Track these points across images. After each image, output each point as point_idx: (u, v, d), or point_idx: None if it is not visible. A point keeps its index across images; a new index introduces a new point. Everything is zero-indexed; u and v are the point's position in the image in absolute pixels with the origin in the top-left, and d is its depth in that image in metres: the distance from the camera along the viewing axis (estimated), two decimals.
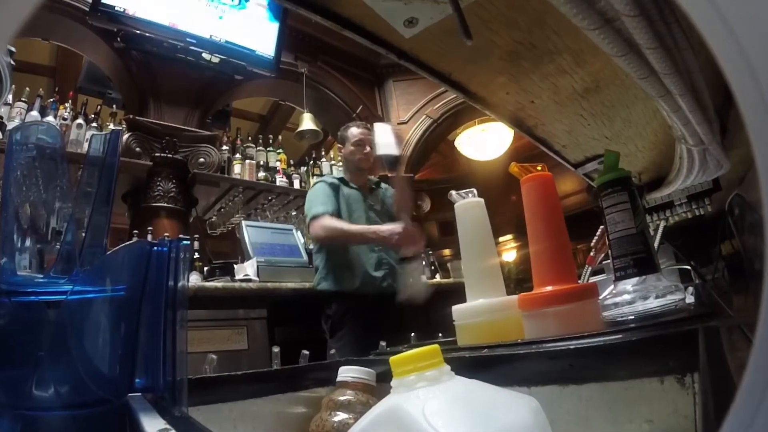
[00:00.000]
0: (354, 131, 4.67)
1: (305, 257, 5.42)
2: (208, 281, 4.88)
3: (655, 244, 2.67)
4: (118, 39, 5.63)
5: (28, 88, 5.44)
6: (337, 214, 4.20)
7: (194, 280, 4.84)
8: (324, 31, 7.54)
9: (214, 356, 1.48)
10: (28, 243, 1.26)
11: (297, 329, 4.68)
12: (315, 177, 6.98)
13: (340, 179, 4.54)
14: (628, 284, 1.31)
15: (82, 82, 7.23)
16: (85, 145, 5.10)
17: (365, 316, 3.98)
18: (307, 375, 1.56)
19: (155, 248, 1.16)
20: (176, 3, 5.95)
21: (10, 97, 5.19)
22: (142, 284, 1.12)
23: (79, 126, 5.47)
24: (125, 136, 5.52)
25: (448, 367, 0.80)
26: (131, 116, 5.72)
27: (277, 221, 6.59)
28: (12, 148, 1.30)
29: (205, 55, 6.12)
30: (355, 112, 8.04)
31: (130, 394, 1.07)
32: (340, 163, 7.30)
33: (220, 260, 5.52)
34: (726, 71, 0.38)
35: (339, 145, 4.76)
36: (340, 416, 1.19)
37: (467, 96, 1.87)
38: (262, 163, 6.77)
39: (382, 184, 4.88)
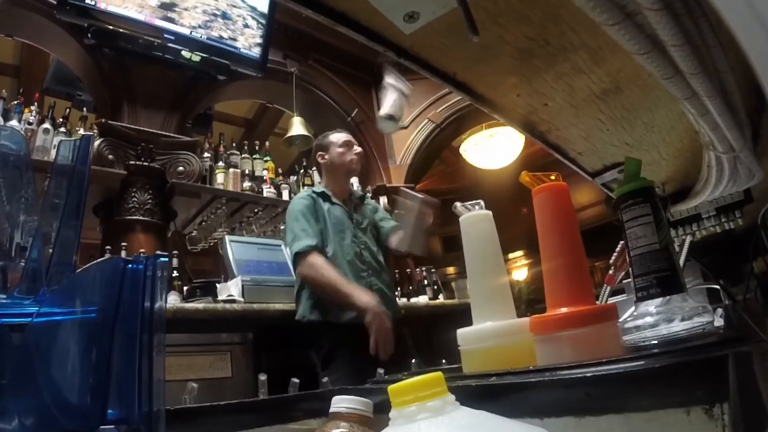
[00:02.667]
0: (338, 135, 4.69)
1: (295, 276, 5.42)
2: (188, 302, 4.85)
3: (681, 262, 2.67)
4: (89, 35, 5.62)
5: None
6: (320, 241, 4.18)
7: (173, 301, 4.81)
8: (316, 27, 7.56)
9: (194, 385, 1.47)
10: None
11: (286, 355, 4.65)
12: (305, 187, 6.98)
13: (321, 194, 4.47)
14: (651, 305, 1.30)
15: (49, 82, 7.24)
16: (53, 152, 5.11)
17: (360, 345, 3.88)
18: (297, 405, 1.55)
19: (130, 266, 1.16)
20: None
21: None
22: (115, 306, 1.12)
23: (46, 131, 5.43)
24: (97, 143, 5.52)
25: (452, 397, 0.80)
26: (103, 120, 5.73)
27: (264, 236, 6.59)
28: None
29: (185, 53, 6.14)
30: (350, 116, 8.07)
31: (101, 427, 1.07)
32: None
33: (201, 279, 5.48)
34: (758, 71, 0.39)
35: (320, 153, 4.67)
36: None
37: (474, 98, 1.87)
38: (247, 171, 6.77)
39: (367, 198, 4.91)
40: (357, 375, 3.35)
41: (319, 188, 4.63)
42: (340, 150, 4.55)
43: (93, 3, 5.45)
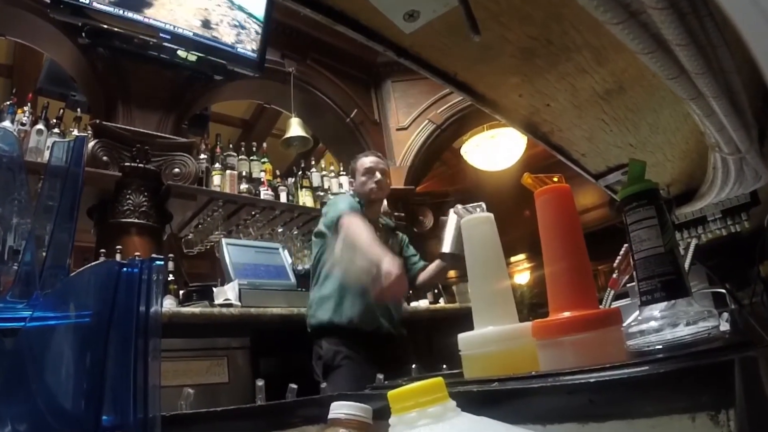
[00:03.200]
0: (363, 161, 4.67)
1: (293, 279, 5.41)
2: (184, 306, 4.85)
3: (686, 265, 2.67)
4: (83, 34, 5.62)
5: None
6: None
7: (168, 305, 4.82)
8: (314, 26, 7.56)
9: (190, 390, 1.47)
10: None
11: (284, 360, 4.66)
12: (304, 189, 6.98)
13: (360, 203, 4.48)
14: (656, 310, 1.30)
15: (42, 82, 7.23)
16: (46, 154, 5.09)
17: (367, 352, 3.97)
18: (295, 411, 1.55)
19: (125, 269, 1.16)
20: None
21: None
22: (109, 310, 1.12)
23: (40, 132, 5.44)
24: (91, 144, 5.51)
25: (453, 403, 0.80)
26: (98, 121, 5.72)
27: (261, 239, 6.57)
28: None
29: (181, 53, 6.14)
30: (349, 117, 8.06)
31: None
32: (332, 174, 7.33)
33: (198, 283, 5.47)
34: (765, 71, 0.39)
35: (350, 180, 4.83)
36: None
37: (475, 98, 1.87)
38: (244, 173, 6.78)
39: (399, 233, 4.97)
40: (359, 381, 3.36)
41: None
42: (363, 179, 4.56)
43: (88, 1, 5.45)
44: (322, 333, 4.14)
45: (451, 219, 4.22)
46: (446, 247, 4.19)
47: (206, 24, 6.35)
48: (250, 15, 6.73)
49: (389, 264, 3.65)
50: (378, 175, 4.54)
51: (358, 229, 3.97)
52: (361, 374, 3.62)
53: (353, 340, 4.01)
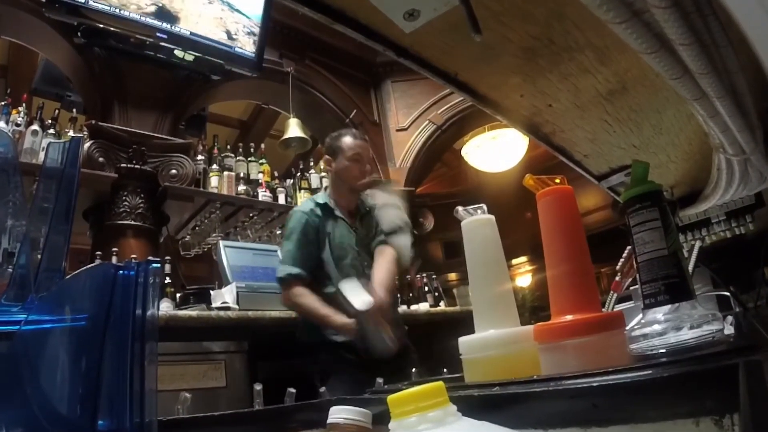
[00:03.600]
0: (349, 141, 4.31)
1: None
2: (181, 310, 4.84)
3: (690, 268, 2.67)
4: (79, 34, 5.62)
5: None
6: (316, 263, 4.08)
7: (165, 308, 4.81)
8: (313, 25, 7.56)
9: (188, 395, 1.47)
10: None
11: (282, 364, 4.64)
12: (302, 191, 6.98)
13: (324, 206, 4.22)
14: (659, 313, 1.30)
15: (37, 82, 7.23)
16: (41, 155, 5.10)
17: (363, 361, 3.81)
18: (293, 416, 1.55)
19: (121, 272, 1.16)
20: None
21: None
22: (105, 313, 1.12)
23: (35, 133, 5.44)
24: (87, 145, 5.51)
25: (454, 408, 0.80)
26: (93, 122, 5.72)
27: (259, 241, 6.58)
28: None
29: (178, 52, 6.14)
30: (349, 117, 8.06)
31: None
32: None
33: (195, 286, 5.46)
34: None
35: (327, 157, 4.37)
36: None
37: (476, 99, 1.87)
38: (242, 175, 6.80)
39: (376, 210, 4.58)
40: (359, 385, 3.29)
41: (322, 198, 4.36)
42: (347, 164, 4.23)
43: (83, 1, 5.43)
44: (317, 347, 4.05)
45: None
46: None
47: (229, 35, 6.40)
48: (248, 17, 6.73)
49: (342, 322, 3.74)
50: (368, 165, 4.31)
51: (299, 306, 4.02)
52: (361, 378, 3.51)
53: (350, 350, 3.89)
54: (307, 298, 3.93)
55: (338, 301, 3.81)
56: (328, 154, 4.38)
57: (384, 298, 3.82)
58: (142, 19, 5.84)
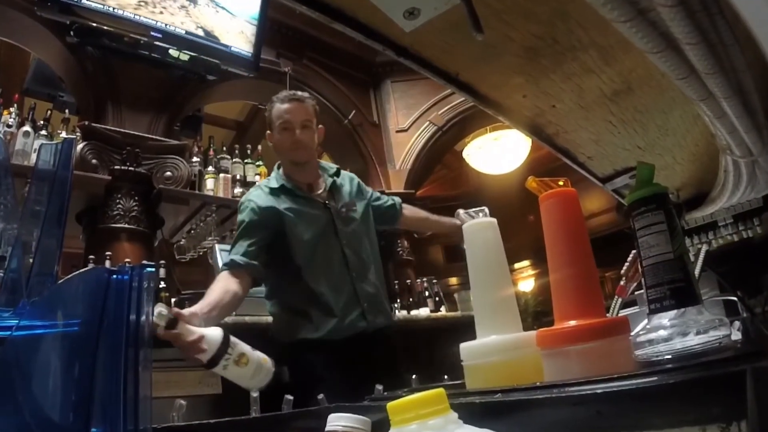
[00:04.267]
0: (276, 109, 3.87)
1: None
2: None
3: (696, 272, 2.67)
4: (72, 33, 5.61)
5: None
6: (247, 257, 3.58)
7: None
8: (311, 24, 7.56)
9: (183, 402, 1.47)
10: None
11: (280, 371, 4.64)
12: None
13: (280, 189, 3.80)
14: (665, 318, 1.30)
15: (29, 83, 7.22)
16: (33, 157, 5.09)
17: (346, 364, 3.51)
18: (291, 424, 1.55)
19: (114, 276, 1.16)
20: None
21: None
22: (99, 318, 1.12)
23: (26, 134, 5.43)
24: (79, 146, 5.50)
25: (455, 415, 0.80)
26: (86, 123, 5.71)
27: None
28: None
29: (173, 52, 6.12)
30: (347, 118, 8.06)
31: None
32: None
33: (190, 290, 5.41)
34: None
35: (268, 132, 3.98)
36: None
37: (477, 99, 1.88)
38: (238, 177, 6.78)
39: (342, 172, 4.16)
40: (352, 390, 3.11)
41: (278, 179, 3.90)
42: (279, 137, 3.84)
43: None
44: (296, 347, 3.66)
45: None
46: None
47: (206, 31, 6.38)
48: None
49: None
50: (297, 131, 3.76)
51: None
52: (355, 381, 3.29)
53: (337, 350, 3.56)
54: (211, 291, 3.34)
55: (322, 299, 3.59)
56: (268, 129, 4.00)
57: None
58: (136, 17, 5.84)
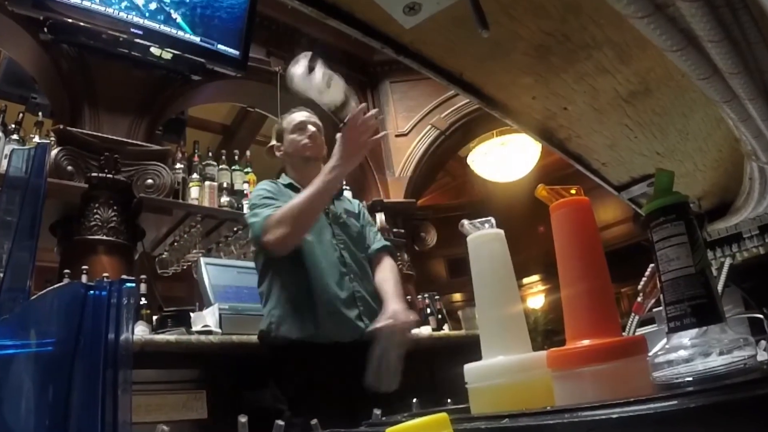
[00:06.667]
0: (291, 117, 4.44)
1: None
2: (158, 334, 4.80)
3: (719, 287, 2.67)
4: (45, 29, 5.59)
5: None
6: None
7: (140, 332, 4.78)
8: (304, 20, 7.56)
9: (165, 428, 1.47)
10: None
11: (269, 394, 4.63)
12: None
13: (288, 186, 4.25)
14: (685, 337, 1.30)
15: None
16: (4, 163, 5.09)
17: (344, 372, 3.61)
18: None
19: (91, 292, 1.16)
20: None
21: None
22: (75, 337, 1.12)
23: None
24: (54, 152, 5.48)
25: None
26: (61, 126, 5.71)
27: (244, 258, 6.52)
28: None
29: (155, 50, 6.12)
30: (343, 122, 8.04)
31: None
32: None
33: (173, 307, 5.40)
34: None
35: (275, 144, 4.39)
36: None
37: (483, 101, 1.88)
38: (225, 185, 6.76)
39: (345, 193, 4.64)
40: (344, 411, 3.12)
41: (284, 179, 4.39)
42: (292, 136, 4.32)
43: None
44: (288, 349, 3.78)
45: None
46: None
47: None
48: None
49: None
50: (310, 128, 4.32)
51: (284, 221, 3.69)
52: (347, 400, 3.36)
53: (332, 355, 3.67)
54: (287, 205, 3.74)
55: (322, 292, 3.76)
56: (276, 140, 4.41)
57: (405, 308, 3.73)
58: (115, 13, 5.83)
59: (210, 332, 4.71)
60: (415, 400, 2.10)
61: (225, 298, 5.09)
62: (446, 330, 6.80)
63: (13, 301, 1.23)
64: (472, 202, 12.61)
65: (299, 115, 4.41)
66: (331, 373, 3.64)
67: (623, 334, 1.42)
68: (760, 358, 1.32)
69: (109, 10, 5.78)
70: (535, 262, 10.55)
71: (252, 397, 4.55)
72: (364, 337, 3.69)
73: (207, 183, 6.49)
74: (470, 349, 1.68)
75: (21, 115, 6.11)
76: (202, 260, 5.45)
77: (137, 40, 5.97)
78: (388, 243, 4.50)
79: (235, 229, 6.48)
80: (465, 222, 1.75)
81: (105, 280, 1.19)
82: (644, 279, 2.55)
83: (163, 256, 6.65)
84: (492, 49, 1.62)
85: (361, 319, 3.82)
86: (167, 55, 6.19)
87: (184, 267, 6.64)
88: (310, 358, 3.68)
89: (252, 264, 5.53)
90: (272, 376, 3.93)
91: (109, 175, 5.70)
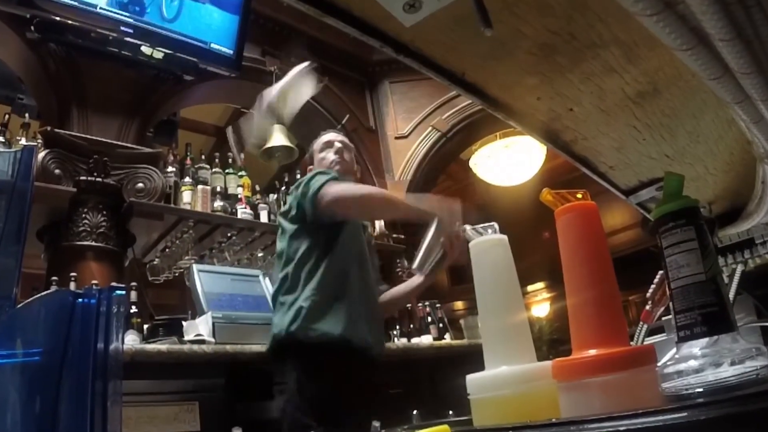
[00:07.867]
0: (320, 138, 4.59)
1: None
2: (149, 343, 4.79)
3: (731, 295, 2.67)
4: (32, 28, 5.60)
5: None
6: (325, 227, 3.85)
7: (131, 341, 4.77)
8: (300, 18, 7.57)
9: None
10: None
11: (263, 405, 4.62)
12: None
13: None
14: (695, 347, 1.30)
15: None
16: None
17: (370, 381, 3.63)
18: None
19: (80, 300, 1.16)
20: None
21: None
22: (62, 347, 1.12)
23: None
24: (41, 155, 5.47)
25: None
26: (49, 128, 5.68)
27: (238, 265, 6.54)
28: None
29: (145, 49, 6.12)
30: (341, 123, 8.04)
31: None
32: None
33: (165, 316, 5.38)
34: None
35: (309, 168, 4.44)
36: None
37: (486, 102, 1.88)
38: (219, 189, 6.75)
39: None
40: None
41: None
42: (321, 155, 4.44)
43: None
44: (318, 351, 3.51)
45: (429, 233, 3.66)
46: (415, 263, 3.68)
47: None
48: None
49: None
50: (337, 144, 4.43)
51: (357, 192, 3.86)
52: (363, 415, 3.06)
53: (363, 363, 3.59)
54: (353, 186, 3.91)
55: (349, 287, 3.76)
56: (308, 164, 4.57)
57: None
58: (105, 11, 5.82)
59: (203, 341, 4.69)
60: (415, 411, 2.10)
61: (218, 306, 5.08)
62: (448, 339, 6.79)
63: None
64: (474, 207, 12.62)
65: (327, 135, 4.59)
66: (362, 380, 3.57)
67: (631, 343, 1.42)
68: None
69: (99, 8, 5.76)
70: (539, 269, 10.56)
71: (256, 407, 4.53)
72: (382, 350, 3.84)
73: (200, 187, 6.46)
74: (473, 358, 1.69)
75: (7, 116, 6.09)
76: (195, 267, 5.45)
77: (127, 39, 5.97)
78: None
79: (228, 234, 6.47)
80: (467, 227, 1.75)
81: (94, 287, 1.18)
82: (653, 286, 2.55)
83: (155, 262, 6.64)
84: (495, 48, 1.62)
85: (384, 332, 3.97)
86: (159, 54, 6.18)
87: (176, 274, 6.62)
88: (344, 360, 3.53)
89: (246, 271, 5.53)
90: (294, 381, 3.54)
91: (98, 179, 5.68)
